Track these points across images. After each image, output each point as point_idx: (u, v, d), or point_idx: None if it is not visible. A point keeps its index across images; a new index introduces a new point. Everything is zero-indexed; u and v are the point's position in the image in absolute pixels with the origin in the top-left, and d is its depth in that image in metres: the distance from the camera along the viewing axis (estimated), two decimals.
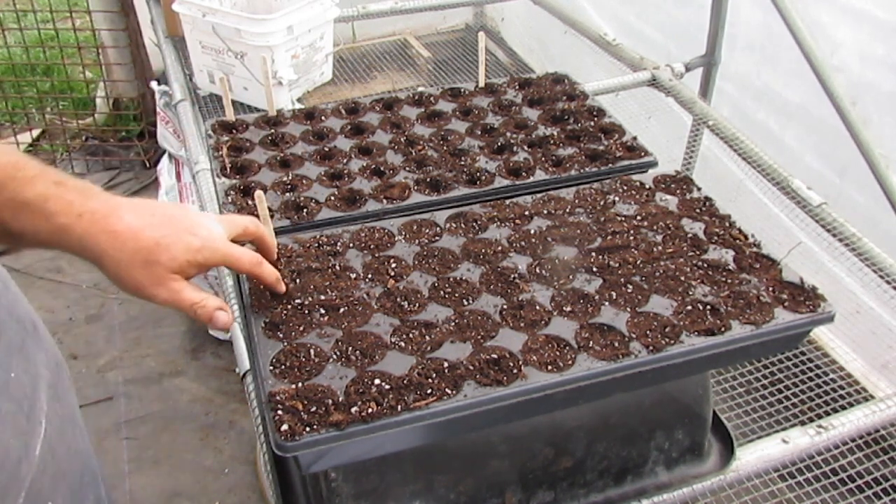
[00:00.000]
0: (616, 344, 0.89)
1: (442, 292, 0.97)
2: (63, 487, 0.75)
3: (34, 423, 0.65)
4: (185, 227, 0.85)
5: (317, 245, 1.05)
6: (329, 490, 0.91)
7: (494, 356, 0.87)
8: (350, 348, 0.88)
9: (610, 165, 1.26)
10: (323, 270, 1.00)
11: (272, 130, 1.35)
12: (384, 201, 1.17)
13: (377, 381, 0.83)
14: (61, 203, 0.78)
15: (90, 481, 0.84)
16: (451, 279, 0.99)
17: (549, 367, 0.86)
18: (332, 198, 1.17)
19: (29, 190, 0.77)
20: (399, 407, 0.80)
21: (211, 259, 0.86)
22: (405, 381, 0.83)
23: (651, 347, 0.88)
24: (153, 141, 3.30)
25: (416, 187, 1.20)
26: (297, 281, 0.98)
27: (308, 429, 0.78)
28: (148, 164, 3.49)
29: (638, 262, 1.02)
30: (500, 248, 1.05)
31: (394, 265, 1.01)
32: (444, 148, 1.30)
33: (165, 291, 0.84)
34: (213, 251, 0.86)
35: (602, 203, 1.14)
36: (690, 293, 0.97)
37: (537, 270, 1.01)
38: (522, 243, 1.06)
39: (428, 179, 1.22)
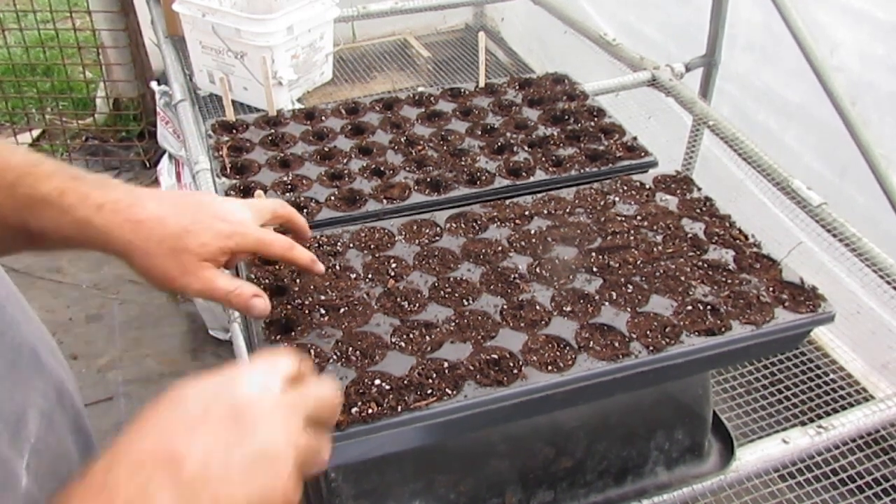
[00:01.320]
0: (616, 344, 0.89)
1: (442, 292, 0.97)
2: None
3: (18, 450, 0.59)
4: (213, 212, 0.81)
5: (317, 245, 1.05)
6: (329, 490, 0.91)
7: (494, 356, 0.87)
8: (350, 349, 0.88)
9: (610, 165, 1.26)
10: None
11: (272, 130, 1.35)
12: (384, 201, 1.17)
13: (377, 382, 0.83)
14: (78, 196, 0.74)
15: None
16: (452, 279, 0.99)
17: (550, 368, 0.86)
18: (332, 198, 1.17)
19: (45, 185, 0.74)
20: (399, 407, 0.80)
21: (242, 244, 0.82)
22: (405, 382, 0.83)
23: (651, 348, 0.88)
24: (153, 141, 3.30)
25: (416, 187, 1.20)
26: (298, 281, 0.98)
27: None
28: (148, 164, 3.49)
29: (638, 262, 1.02)
30: (500, 248, 1.05)
31: (394, 265, 1.01)
32: (445, 148, 1.30)
33: (197, 281, 0.78)
34: (244, 236, 0.82)
35: (602, 203, 1.14)
36: (690, 293, 0.97)
37: (537, 270, 1.01)
38: (522, 243, 1.06)
39: (428, 179, 1.22)
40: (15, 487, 0.55)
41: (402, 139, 1.33)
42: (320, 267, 0.91)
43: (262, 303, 0.83)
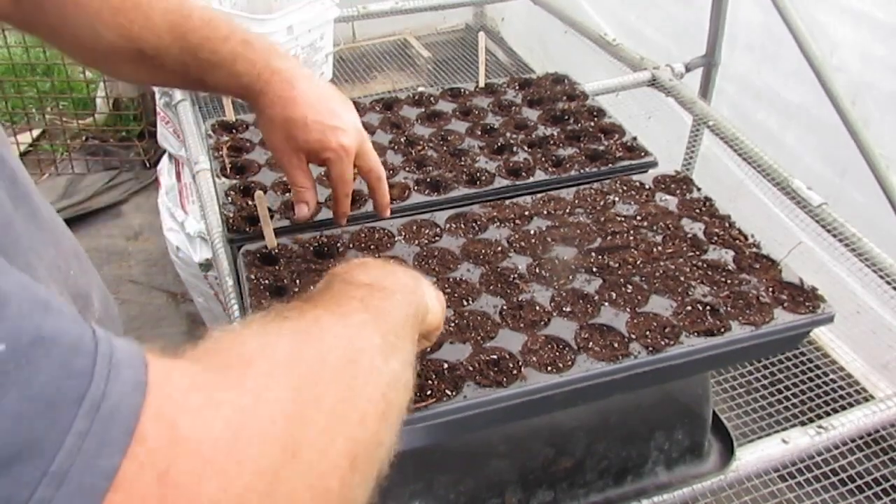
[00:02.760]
0: (616, 345, 0.89)
1: (442, 293, 0.97)
2: None
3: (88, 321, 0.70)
4: (334, 123, 0.93)
5: (316, 245, 1.05)
6: None
7: (494, 357, 0.87)
8: None
9: (610, 166, 1.26)
10: (323, 271, 1.00)
11: None
12: None
13: None
14: (247, 64, 0.89)
15: None
16: (451, 279, 0.99)
17: (549, 368, 0.86)
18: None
19: (222, 49, 0.88)
20: None
21: (329, 162, 0.94)
22: None
23: (651, 348, 0.88)
24: (153, 141, 3.30)
25: (415, 187, 1.20)
26: (298, 282, 0.98)
27: None
28: (148, 164, 3.49)
29: (638, 262, 1.02)
30: (499, 248, 1.05)
31: None
32: (444, 148, 1.30)
33: (287, 159, 0.95)
34: (337, 160, 0.94)
35: (602, 203, 1.14)
36: (690, 293, 0.97)
37: (537, 271, 1.01)
38: (522, 243, 1.06)
39: (428, 180, 1.22)
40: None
41: (402, 139, 1.32)
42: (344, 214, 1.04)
43: (305, 210, 0.98)
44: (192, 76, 0.90)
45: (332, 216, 1.05)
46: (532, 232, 1.08)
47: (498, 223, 1.10)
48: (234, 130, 1.35)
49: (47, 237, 0.66)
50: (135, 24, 0.85)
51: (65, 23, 0.84)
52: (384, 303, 0.59)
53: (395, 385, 0.52)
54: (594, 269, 1.01)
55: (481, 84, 1.49)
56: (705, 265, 1.02)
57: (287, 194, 1.18)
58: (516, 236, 1.07)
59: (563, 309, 0.95)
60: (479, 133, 1.35)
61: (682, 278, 0.99)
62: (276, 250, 1.03)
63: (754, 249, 1.04)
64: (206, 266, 2.36)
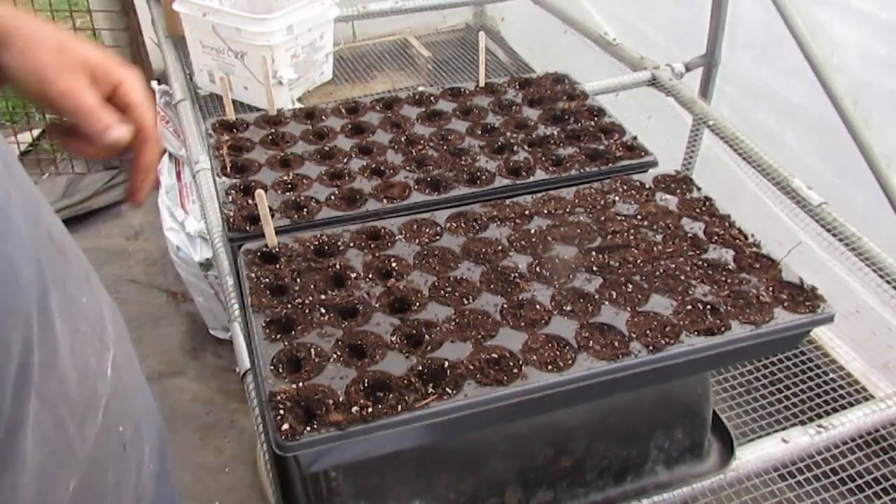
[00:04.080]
0: (616, 344, 0.89)
1: (442, 292, 0.97)
2: (129, 416, 0.79)
3: (105, 344, 0.71)
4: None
5: (317, 244, 1.05)
6: (329, 489, 0.91)
7: (494, 356, 0.87)
8: (350, 348, 0.88)
9: (610, 165, 1.26)
10: (323, 270, 1.00)
11: (272, 130, 1.35)
12: (384, 201, 1.17)
13: (377, 381, 0.83)
14: None
15: (151, 417, 0.89)
16: (452, 278, 0.99)
17: (549, 367, 0.86)
18: (333, 197, 1.17)
19: None
20: (399, 407, 0.80)
21: (105, 78, 0.75)
22: (405, 381, 0.83)
23: (651, 347, 0.88)
24: None
25: (416, 187, 1.20)
26: (298, 280, 0.98)
27: (308, 428, 0.78)
28: None
29: (638, 261, 1.02)
30: (500, 247, 1.05)
31: (394, 265, 1.01)
32: (445, 147, 1.30)
33: (70, 80, 0.71)
34: (110, 70, 0.75)
35: (602, 203, 1.14)
36: (690, 293, 0.97)
37: (537, 270, 1.01)
38: (522, 243, 1.06)
39: (428, 179, 1.22)
40: (104, 378, 0.71)
41: (403, 139, 1.33)
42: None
43: (124, 130, 0.74)
44: None
45: (130, 192, 0.82)
46: (532, 231, 1.08)
47: (498, 222, 1.10)
48: (234, 129, 1.35)
49: (59, 259, 0.64)
50: None
51: None
52: None
53: None
54: (594, 269, 1.01)
55: (481, 84, 1.49)
56: (705, 265, 1.02)
57: (288, 193, 1.18)
58: (516, 235, 1.07)
59: (564, 308, 0.95)
60: (480, 132, 1.35)
61: (682, 278, 0.99)
62: (277, 249, 1.03)
63: (754, 249, 1.05)
64: (207, 265, 2.36)
